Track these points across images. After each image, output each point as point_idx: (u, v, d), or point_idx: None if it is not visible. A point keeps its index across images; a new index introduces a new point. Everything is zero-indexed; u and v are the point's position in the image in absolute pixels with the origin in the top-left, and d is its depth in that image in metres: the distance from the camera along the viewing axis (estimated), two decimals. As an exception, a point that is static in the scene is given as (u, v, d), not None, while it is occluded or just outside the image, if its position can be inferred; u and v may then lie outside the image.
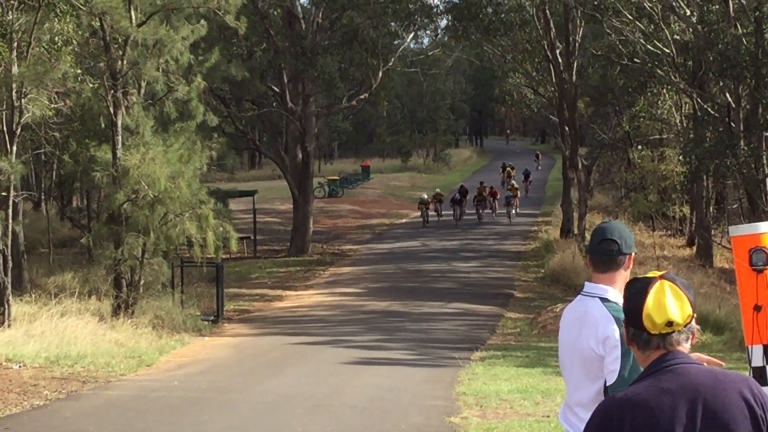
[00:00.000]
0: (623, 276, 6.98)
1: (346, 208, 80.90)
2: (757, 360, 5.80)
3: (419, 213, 75.21)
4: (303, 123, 63.05)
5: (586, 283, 7.11)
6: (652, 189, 60.96)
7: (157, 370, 26.98)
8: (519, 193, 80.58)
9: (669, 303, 4.54)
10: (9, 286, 34.67)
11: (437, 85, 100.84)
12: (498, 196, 79.30)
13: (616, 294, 6.88)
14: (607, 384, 6.79)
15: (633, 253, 7.10)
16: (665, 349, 4.57)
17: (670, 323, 4.52)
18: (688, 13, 48.55)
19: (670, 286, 4.59)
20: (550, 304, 42.55)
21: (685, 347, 4.61)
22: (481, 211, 76.65)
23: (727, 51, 44.26)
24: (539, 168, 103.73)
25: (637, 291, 4.57)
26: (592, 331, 6.85)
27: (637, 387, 4.52)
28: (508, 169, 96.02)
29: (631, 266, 7.10)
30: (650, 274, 4.67)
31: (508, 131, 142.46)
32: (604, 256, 6.99)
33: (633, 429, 4.37)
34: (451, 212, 74.82)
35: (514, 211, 76.55)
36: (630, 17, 50.96)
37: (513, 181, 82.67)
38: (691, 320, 4.62)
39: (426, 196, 75.20)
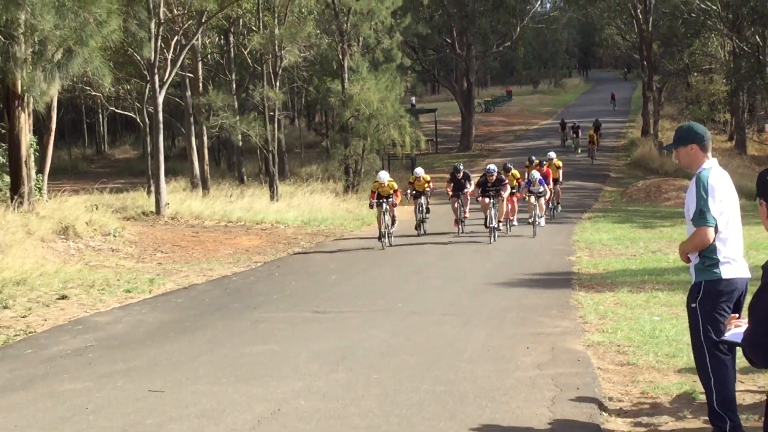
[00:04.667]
0: None
1: (497, 119, 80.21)
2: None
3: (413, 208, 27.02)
4: (467, 63, 64.21)
5: (709, 158, 6.71)
6: (704, 102, 60.25)
7: (374, 228, 26.99)
8: (561, 176, 31.41)
9: None
10: (276, 174, 35.22)
11: (556, 35, 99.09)
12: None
13: None
14: None
15: None
16: None
17: None
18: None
19: None
20: (634, 181, 42.26)
21: None
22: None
23: (756, 6, 45.68)
24: (615, 108, 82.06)
25: None
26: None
27: None
28: (571, 125, 59.12)
29: None
30: None
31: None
32: (707, 139, 6.71)
33: None
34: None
35: (541, 218, 26.43)
36: (688, -16, 50.37)
37: (552, 154, 32.01)
38: None
39: (423, 172, 26.58)
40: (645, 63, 61.42)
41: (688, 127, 6.80)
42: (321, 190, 36.53)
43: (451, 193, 25.49)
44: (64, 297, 15.21)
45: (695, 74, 63.32)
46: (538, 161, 29.36)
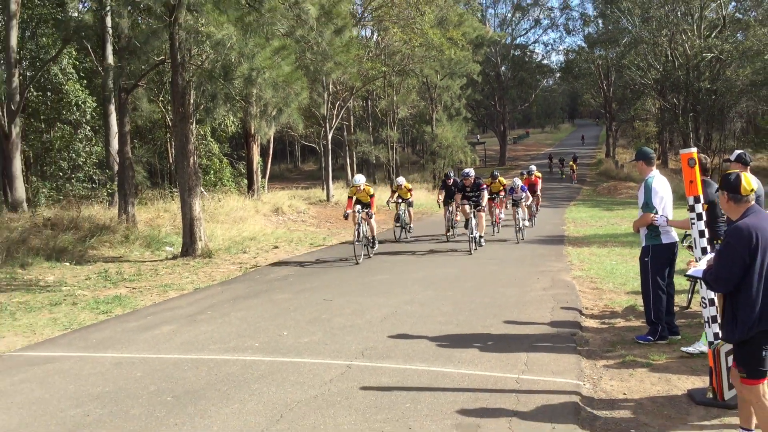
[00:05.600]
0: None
1: (520, 148, 78.21)
2: (690, 201, 5.20)
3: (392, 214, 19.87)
4: (503, 115, 63.58)
5: (653, 169, 6.45)
6: (643, 138, 58.08)
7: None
8: (539, 184, 19.62)
9: (752, 180, 4.06)
10: (394, 178, 34.99)
11: (555, 99, 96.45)
12: (502, 193, 16.26)
13: None
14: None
15: None
16: (748, 203, 3.94)
17: (752, 189, 3.96)
18: (659, 66, 46.99)
19: (747, 175, 4.06)
20: (601, 183, 40.83)
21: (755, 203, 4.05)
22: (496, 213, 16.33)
23: (674, 82, 44.17)
24: (584, 143, 75.77)
25: (736, 176, 4.01)
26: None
27: (749, 220, 3.84)
28: (557, 162, 51.64)
29: None
30: (735, 170, 4.11)
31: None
32: (653, 158, 6.46)
33: (760, 240, 3.72)
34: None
35: (526, 222, 16.04)
36: (634, 69, 48.51)
37: (533, 167, 19.73)
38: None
39: (404, 181, 15.84)
40: (608, 115, 60.48)
41: (640, 150, 6.58)
42: (419, 188, 36.20)
43: (441, 200, 15.83)
44: (276, 247, 15.47)
45: (637, 121, 61.39)
46: (527, 173, 19.86)
